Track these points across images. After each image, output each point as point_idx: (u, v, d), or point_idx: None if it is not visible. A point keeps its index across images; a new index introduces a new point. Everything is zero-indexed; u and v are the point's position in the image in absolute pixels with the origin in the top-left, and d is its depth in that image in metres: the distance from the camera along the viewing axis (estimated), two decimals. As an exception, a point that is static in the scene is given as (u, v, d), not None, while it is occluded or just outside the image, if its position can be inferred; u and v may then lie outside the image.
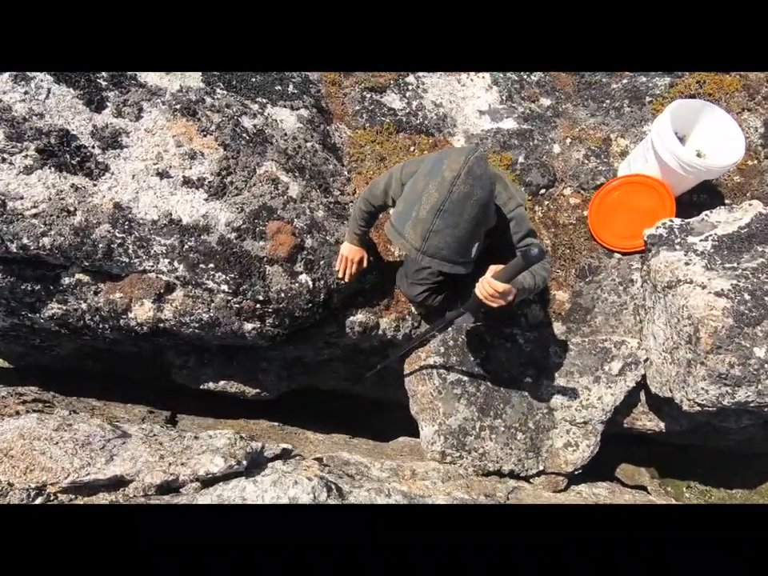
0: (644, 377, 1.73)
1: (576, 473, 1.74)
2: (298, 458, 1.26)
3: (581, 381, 1.69)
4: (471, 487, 1.42)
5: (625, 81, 2.39)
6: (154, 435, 1.14)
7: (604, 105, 2.37)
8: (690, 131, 1.99)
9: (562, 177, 2.22)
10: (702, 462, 2.45)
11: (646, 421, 1.88)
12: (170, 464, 0.99)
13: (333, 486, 1.04)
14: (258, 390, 2.00)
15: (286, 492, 0.96)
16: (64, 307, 1.49)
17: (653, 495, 2.18)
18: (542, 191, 2.19)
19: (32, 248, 1.35)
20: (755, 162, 2.21)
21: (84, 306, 1.49)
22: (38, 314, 1.50)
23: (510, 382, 1.72)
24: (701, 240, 1.70)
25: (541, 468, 1.72)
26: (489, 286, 1.09)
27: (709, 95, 2.26)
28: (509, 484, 1.71)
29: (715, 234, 1.70)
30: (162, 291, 1.47)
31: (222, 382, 1.96)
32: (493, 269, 1.11)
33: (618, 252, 2.04)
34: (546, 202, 2.19)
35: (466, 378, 1.72)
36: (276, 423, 2.49)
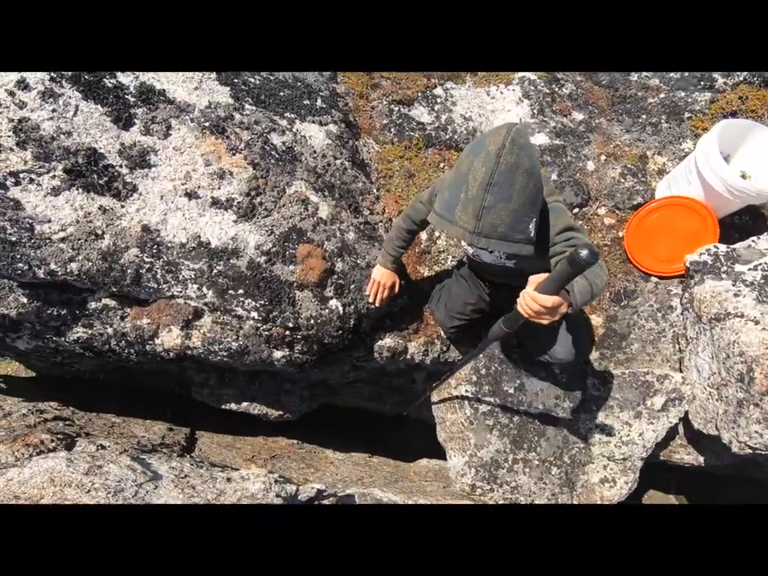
0: (686, 411, 1.65)
1: (611, 508, 1.67)
2: (331, 499, 1.20)
3: (621, 415, 1.62)
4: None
5: (662, 95, 2.31)
6: (186, 477, 1.10)
7: (640, 120, 2.29)
8: (735, 151, 1.90)
9: (596, 195, 2.14)
10: (735, 492, 2.36)
11: (684, 454, 1.80)
12: (205, 515, 0.94)
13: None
14: (280, 412, 1.95)
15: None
16: (90, 331, 1.45)
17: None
18: (576, 210, 2.11)
19: (60, 273, 1.30)
20: (800, 182, 2.12)
21: (110, 330, 1.44)
22: (62, 338, 1.46)
23: (545, 413, 1.65)
24: (749, 269, 1.62)
25: (575, 503, 1.66)
26: (533, 301, 0.93)
27: (752, 111, 2.17)
28: (540, 517, 1.65)
29: (765, 263, 1.62)
30: (190, 318, 1.42)
31: (244, 404, 1.91)
32: (534, 280, 0.95)
33: (656, 276, 1.96)
34: (580, 222, 2.11)
35: (498, 409, 1.66)
36: (295, 441, 2.45)
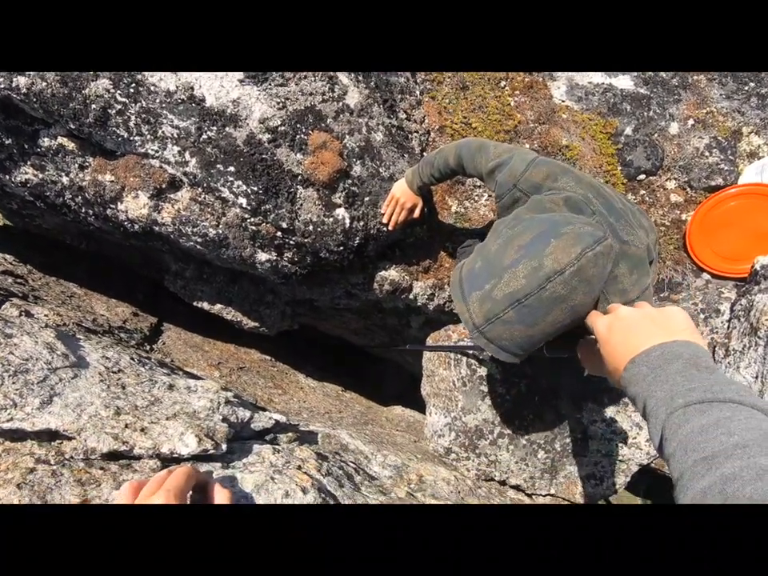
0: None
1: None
2: (290, 434, 1.01)
3: (633, 416, 1.43)
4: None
5: (783, 63, 1.90)
6: (119, 371, 0.88)
7: (746, 88, 1.90)
8: None
9: (670, 165, 1.81)
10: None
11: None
12: (125, 425, 0.73)
13: (329, 499, 0.80)
14: (256, 324, 1.75)
15: (273, 501, 0.71)
16: (41, 175, 1.18)
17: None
18: (642, 177, 1.79)
19: (1, 86, 1.00)
20: None
21: (65, 180, 1.17)
22: (8, 176, 1.20)
23: (549, 393, 1.46)
24: (832, 288, 1.36)
25: (552, 491, 1.51)
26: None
27: None
28: (508, 495, 1.52)
29: None
30: (163, 186, 1.15)
31: (218, 306, 1.70)
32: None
33: (711, 273, 1.69)
34: (642, 192, 1.80)
35: (498, 376, 1.46)
36: (268, 357, 2.28)
